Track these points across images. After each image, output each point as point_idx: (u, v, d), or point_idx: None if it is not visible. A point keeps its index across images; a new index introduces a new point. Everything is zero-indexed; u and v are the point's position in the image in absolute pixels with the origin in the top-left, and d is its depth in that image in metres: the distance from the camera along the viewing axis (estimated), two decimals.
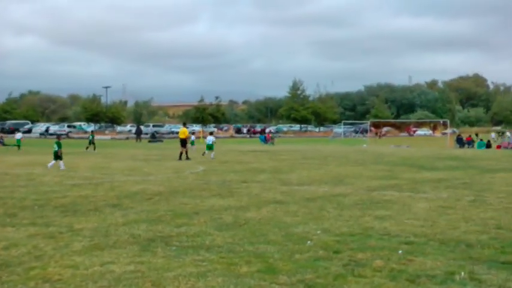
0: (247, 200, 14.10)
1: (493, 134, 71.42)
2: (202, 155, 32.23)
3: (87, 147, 40.46)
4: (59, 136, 26.92)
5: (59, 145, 23.75)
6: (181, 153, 30.43)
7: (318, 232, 9.87)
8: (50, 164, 23.48)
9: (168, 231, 9.95)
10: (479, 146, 50.64)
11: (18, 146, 43.43)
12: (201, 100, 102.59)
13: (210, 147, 31.97)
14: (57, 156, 23.54)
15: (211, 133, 37.78)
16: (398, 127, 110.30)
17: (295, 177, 20.58)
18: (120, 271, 7.29)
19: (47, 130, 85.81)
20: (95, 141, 41.89)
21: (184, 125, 36.32)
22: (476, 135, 63.61)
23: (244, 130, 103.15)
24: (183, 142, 31.07)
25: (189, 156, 30.73)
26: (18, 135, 46.71)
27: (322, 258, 8.05)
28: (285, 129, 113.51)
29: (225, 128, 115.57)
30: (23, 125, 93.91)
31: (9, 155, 35.27)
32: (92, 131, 52.52)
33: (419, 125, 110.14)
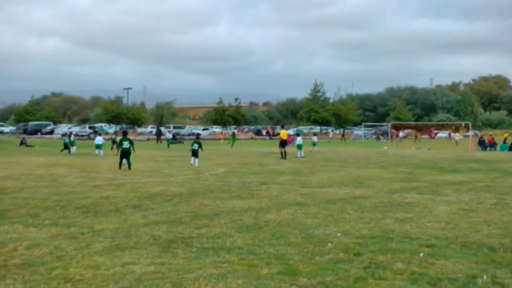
0: (267, 202, 14.10)
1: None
2: (302, 156, 34.98)
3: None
4: (198, 136, 28.86)
5: (200, 145, 26.73)
6: (281, 153, 33.19)
7: (339, 234, 9.84)
8: (195, 164, 26.12)
9: (189, 232, 9.98)
10: (502, 149, 50.04)
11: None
12: (221, 102, 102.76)
13: (300, 147, 36.09)
14: (196, 154, 26.26)
15: (298, 134, 42.07)
16: (420, 129, 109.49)
17: (315, 179, 20.53)
18: (140, 272, 7.34)
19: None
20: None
21: (283, 127, 39.76)
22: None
23: (264, 132, 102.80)
24: (283, 143, 33.86)
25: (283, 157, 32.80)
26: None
27: (342, 260, 8.03)
28: (305, 131, 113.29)
29: (245, 130, 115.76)
30: (45, 126, 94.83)
31: (32, 155, 35.62)
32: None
33: (441, 127, 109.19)
